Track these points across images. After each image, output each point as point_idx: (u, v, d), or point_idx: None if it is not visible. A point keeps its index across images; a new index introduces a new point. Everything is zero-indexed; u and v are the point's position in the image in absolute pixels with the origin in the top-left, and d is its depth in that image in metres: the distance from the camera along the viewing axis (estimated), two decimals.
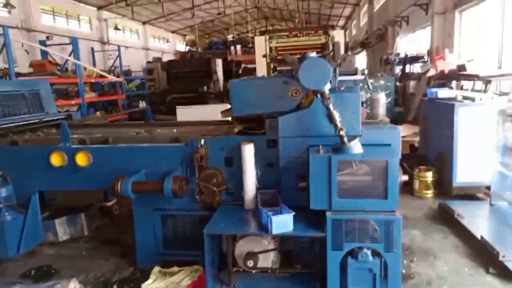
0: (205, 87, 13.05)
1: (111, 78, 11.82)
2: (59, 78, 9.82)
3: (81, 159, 3.52)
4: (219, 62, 13.88)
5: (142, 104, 14.94)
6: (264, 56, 12.54)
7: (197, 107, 7.27)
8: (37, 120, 4.88)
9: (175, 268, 3.58)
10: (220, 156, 3.42)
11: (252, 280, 3.04)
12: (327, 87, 2.79)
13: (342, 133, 2.70)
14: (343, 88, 3.13)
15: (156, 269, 3.59)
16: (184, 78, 13.56)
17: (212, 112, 6.91)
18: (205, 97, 12.68)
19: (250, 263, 2.94)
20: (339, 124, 2.73)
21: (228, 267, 2.98)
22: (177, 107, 7.12)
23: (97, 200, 5.20)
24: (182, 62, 15.57)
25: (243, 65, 16.74)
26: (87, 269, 3.73)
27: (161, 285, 3.33)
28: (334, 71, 2.96)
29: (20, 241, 3.50)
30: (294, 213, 2.77)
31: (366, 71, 3.24)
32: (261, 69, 12.56)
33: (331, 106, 2.76)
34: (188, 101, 11.67)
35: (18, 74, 8.61)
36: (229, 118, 4.30)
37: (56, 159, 3.54)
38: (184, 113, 7.03)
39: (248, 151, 3.21)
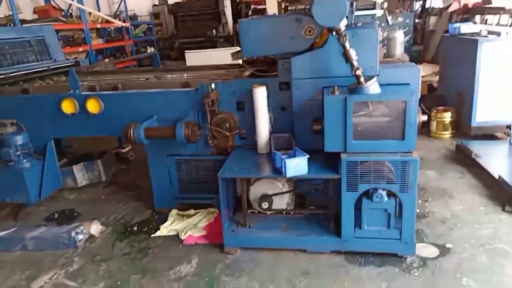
0: (214, 31, 12.61)
1: (117, 23, 11.46)
2: (64, 24, 9.55)
3: (92, 106, 3.49)
4: (227, 3, 13.24)
5: (150, 50, 14.64)
6: None
7: (207, 51, 7.06)
8: (46, 68, 4.82)
9: (192, 211, 3.69)
10: (231, 101, 3.34)
11: (267, 221, 3.10)
12: (343, 24, 2.61)
13: (358, 72, 2.57)
14: (360, 25, 2.93)
15: (174, 211, 3.70)
16: (192, 22, 13.07)
17: (222, 56, 6.71)
18: (214, 41, 12.29)
19: (265, 205, 2.99)
20: (355, 63, 2.59)
21: (243, 209, 3.03)
22: (186, 51, 6.93)
23: (113, 147, 5.28)
24: (189, 4, 14.91)
25: (252, 6, 15.99)
26: (107, 212, 3.87)
27: (179, 226, 3.44)
28: (351, 5, 2.75)
29: (41, 187, 3.60)
30: (308, 156, 2.73)
31: (385, 5, 3.01)
32: (272, 9, 11.96)
33: (347, 44, 2.60)
34: (197, 45, 11.33)
35: (23, 21, 8.37)
36: (240, 61, 4.17)
37: (67, 107, 3.52)
38: (194, 57, 6.85)
39: (260, 94, 3.12)
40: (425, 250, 2.87)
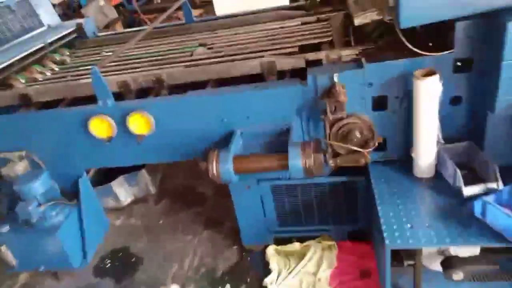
0: None
1: None
2: None
3: (138, 125, 2.22)
4: None
5: None
6: None
7: None
8: (41, 44, 3.40)
9: (296, 244, 2.63)
10: (365, 96, 2.05)
11: None
12: None
13: None
14: None
15: (271, 249, 2.65)
16: None
17: None
18: None
19: (458, 275, 1.87)
20: None
21: (416, 279, 1.93)
22: None
23: None
24: None
25: None
26: (177, 253, 2.84)
27: (293, 281, 2.41)
28: None
29: (84, 244, 2.51)
30: None
31: None
32: None
33: None
34: None
35: None
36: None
37: (98, 129, 2.26)
38: None
39: (431, 88, 1.81)
40: None
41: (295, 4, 4.06)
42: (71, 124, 2.30)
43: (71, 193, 2.52)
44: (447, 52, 1.85)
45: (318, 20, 3.13)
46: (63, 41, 3.60)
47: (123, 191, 3.36)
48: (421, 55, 1.89)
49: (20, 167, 2.38)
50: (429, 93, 1.82)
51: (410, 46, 1.85)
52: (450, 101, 1.99)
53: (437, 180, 2.00)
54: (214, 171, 2.01)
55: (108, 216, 3.24)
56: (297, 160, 1.93)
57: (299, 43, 2.61)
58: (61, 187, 2.50)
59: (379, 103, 2.06)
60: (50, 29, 3.73)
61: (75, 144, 2.37)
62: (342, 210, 2.46)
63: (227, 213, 3.00)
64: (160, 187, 3.55)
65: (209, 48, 2.94)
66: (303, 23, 3.11)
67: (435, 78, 1.79)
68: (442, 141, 1.97)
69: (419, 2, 1.65)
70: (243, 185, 2.44)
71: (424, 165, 2.01)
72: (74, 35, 3.73)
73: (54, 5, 7.67)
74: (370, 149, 2.08)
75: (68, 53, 3.53)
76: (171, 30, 3.56)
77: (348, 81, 2.00)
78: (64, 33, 3.64)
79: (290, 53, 2.46)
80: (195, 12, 6.40)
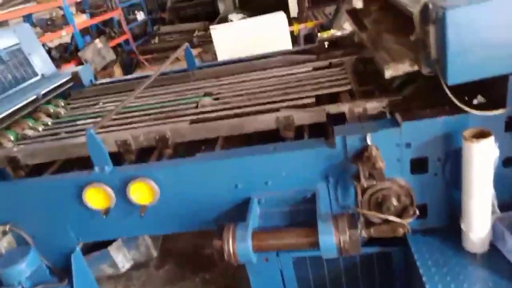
0: None
1: None
2: (38, 5, 7.58)
3: (141, 194, 1.94)
4: None
5: (140, 16, 12.60)
6: None
7: (242, 23, 5.15)
8: (34, 97, 3.17)
9: None
10: (401, 158, 1.78)
11: None
12: None
13: None
14: None
15: None
16: None
17: (267, 27, 4.90)
18: None
19: None
20: None
21: None
22: (211, 27, 5.09)
23: None
24: None
25: None
26: None
27: None
28: None
29: None
30: None
31: None
32: None
33: None
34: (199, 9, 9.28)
35: None
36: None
37: (95, 200, 1.97)
38: (223, 34, 5.03)
39: (484, 152, 1.55)
40: None
41: (301, 48, 3.90)
42: (63, 194, 2.01)
43: (61, 270, 2.19)
44: (501, 110, 1.60)
45: (331, 65, 2.92)
46: (57, 92, 3.38)
47: (121, 256, 3.02)
48: (466, 112, 1.64)
49: (4, 244, 2.06)
50: (483, 158, 1.55)
51: (459, 104, 1.59)
52: (503, 163, 1.73)
53: (493, 256, 1.70)
54: (231, 251, 1.70)
55: (104, 286, 2.91)
56: (329, 237, 1.63)
57: (315, 93, 2.38)
58: (50, 264, 2.18)
59: (418, 166, 1.79)
60: (44, 79, 3.52)
61: (67, 216, 2.07)
62: (375, 284, 2.14)
63: (239, 281, 2.67)
64: (162, 249, 3.21)
65: (215, 99, 2.71)
66: (314, 69, 2.90)
67: (491, 140, 1.53)
68: (498, 211, 1.69)
69: (472, 56, 1.41)
70: (260, 257, 2.13)
71: (477, 238, 1.72)
72: (69, 84, 3.52)
73: (50, 49, 7.60)
74: (411, 220, 1.79)
75: (63, 104, 3.29)
76: (172, 77, 3.35)
77: (382, 141, 1.74)
78: (58, 82, 3.42)
79: (306, 105, 2.23)
80: (193, 52, 6.33)
